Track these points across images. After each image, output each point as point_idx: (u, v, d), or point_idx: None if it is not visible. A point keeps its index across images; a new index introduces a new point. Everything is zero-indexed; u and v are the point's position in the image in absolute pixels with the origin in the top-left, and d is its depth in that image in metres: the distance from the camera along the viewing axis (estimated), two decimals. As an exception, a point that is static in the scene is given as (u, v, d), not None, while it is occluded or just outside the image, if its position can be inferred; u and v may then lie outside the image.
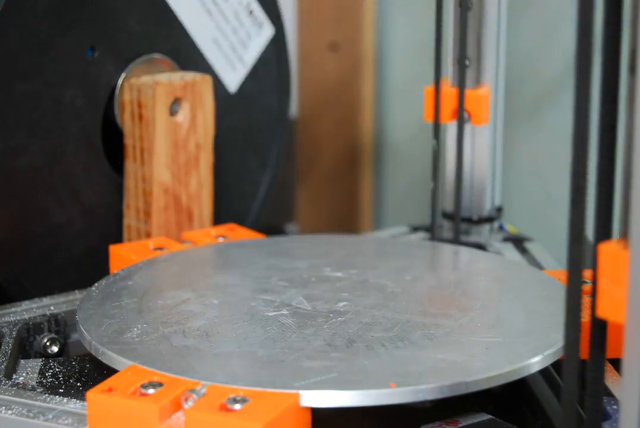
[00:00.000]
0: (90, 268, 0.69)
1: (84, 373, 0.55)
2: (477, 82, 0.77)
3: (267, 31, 0.77)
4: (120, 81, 0.69)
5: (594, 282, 0.38)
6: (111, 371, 0.48)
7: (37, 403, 0.48)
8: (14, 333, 0.57)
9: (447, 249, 0.68)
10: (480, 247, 0.76)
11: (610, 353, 0.41)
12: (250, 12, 0.67)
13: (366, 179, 1.05)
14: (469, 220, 0.79)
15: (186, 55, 0.73)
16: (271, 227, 0.77)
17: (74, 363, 0.56)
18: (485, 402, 0.52)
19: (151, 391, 0.44)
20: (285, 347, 0.50)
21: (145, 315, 0.54)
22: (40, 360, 0.56)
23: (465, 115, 0.75)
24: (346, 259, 0.63)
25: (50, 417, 0.47)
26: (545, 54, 0.92)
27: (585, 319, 0.39)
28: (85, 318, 0.53)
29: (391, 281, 0.58)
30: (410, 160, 1.03)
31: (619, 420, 0.38)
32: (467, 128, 0.77)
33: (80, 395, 0.49)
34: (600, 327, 0.40)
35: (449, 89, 0.75)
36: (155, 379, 0.45)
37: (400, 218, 1.04)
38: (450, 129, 0.78)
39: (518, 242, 0.79)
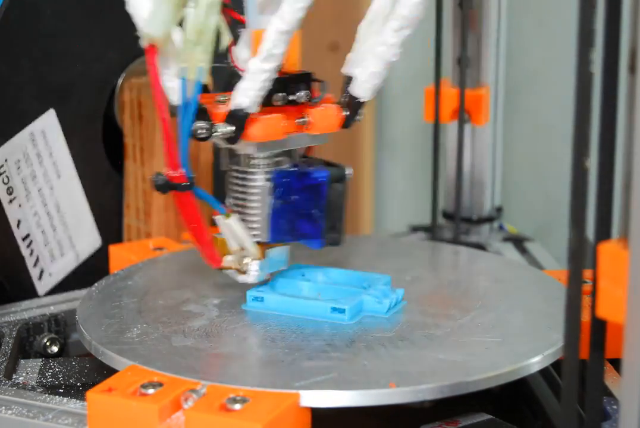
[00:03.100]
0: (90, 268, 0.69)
1: (84, 373, 0.55)
2: (477, 82, 0.77)
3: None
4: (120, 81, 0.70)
5: (594, 282, 0.38)
6: (111, 371, 0.48)
7: (37, 403, 0.48)
8: (14, 333, 0.57)
9: (447, 249, 0.68)
10: (480, 247, 0.76)
11: (610, 353, 0.41)
12: None
13: (366, 178, 1.05)
14: (469, 220, 0.79)
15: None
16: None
17: (74, 363, 0.56)
18: (485, 402, 0.52)
19: (151, 391, 0.44)
20: (285, 347, 0.50)
21: (145, 315, 0.54)
22: (40, 360, 0.56)
23: (465, 115, 0.75)
24: (346, 259, 0.63)
25: (50, 417, 0.47)
26: (545, 54, 0.92)
27: (585, 319, 0.39)
28: (85, 318, 0.53)
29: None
30: (410, 160, 1.03)
31: (619, 420, 0.38)
32: (467, 128, 0.77)
33: (80, 395, 0.49)
34: (600, 327, 0.40)
35: (449, 89, 0.75)
36: (155, 379, 0.45)
37: (400, 218, 1.04)
38: (450, 129, 0.78)
39: (518, 242, 0.79)
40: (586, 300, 0.40)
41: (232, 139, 0.49)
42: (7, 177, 0.61)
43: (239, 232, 0.52)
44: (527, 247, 0.77)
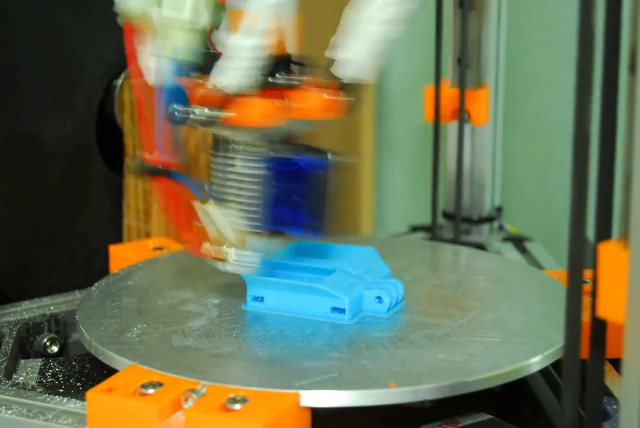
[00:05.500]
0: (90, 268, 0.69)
1: (84, 373, 0.55)
2: (477, 82, 0.77)
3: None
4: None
5: (594, 282, 0.38)
6: (111, 371, 0.48)
7: (37, 403, 0.48)
8: (14, 333, 0.57)
9: (447, 249, 0.68)
10: (480, 247, 0.76)
11: (610, 353, 0.41)
12: None
13: (366, 178, 1.05)
14: (469, 220, 0.79)
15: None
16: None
17: (74, 363, 0.56)
18: (485, 402, 0.52)
19: (151, 391, 0.44)
20: (285, 347, 0.50)
21: (145, 315, 0.54)
22: (40, 360, 0.56)
23: (465, 115, 0.75)
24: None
25: (50, 417, 0.47)
26: (545, 54, 0.92)
27: (585, 319, 0.39)
28: (85, 318, 0.53)
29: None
30: (410, 160, 1.03)
31: (619, 420, 0.38)
32: (467, 128, 0.77)
33: (80, 395, 0.49)
34: (600, 327, 0.40)
35: (449, 89, 0.75)
36: (155, 379, 0.45)
37: (400, 218, 1.04)
38: (450, 129, 0.78)
39: (518, 242, 0.79)
40: (586, 300, 0.40)
41: (208, 122, 0.47)
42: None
43: (217, 219, 0.50)
44: (527, 247, 0.77)
